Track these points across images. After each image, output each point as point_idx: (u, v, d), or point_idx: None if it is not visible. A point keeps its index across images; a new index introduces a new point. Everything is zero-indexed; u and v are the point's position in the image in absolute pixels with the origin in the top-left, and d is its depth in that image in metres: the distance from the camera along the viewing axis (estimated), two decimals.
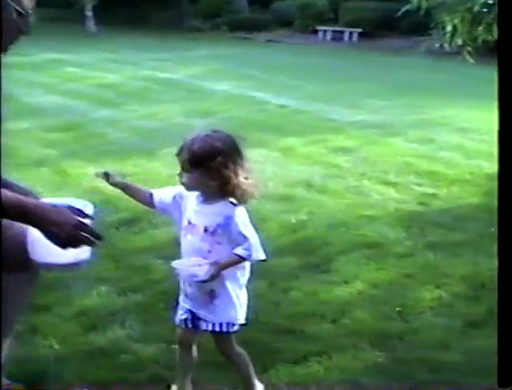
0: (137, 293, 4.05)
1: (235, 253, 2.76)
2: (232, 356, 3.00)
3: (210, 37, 23.23)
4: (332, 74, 14.91)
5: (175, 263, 2.81)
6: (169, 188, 2.95)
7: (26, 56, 14.95)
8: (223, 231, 2.78)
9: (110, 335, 3.58)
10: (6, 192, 2.37)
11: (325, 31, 23.46)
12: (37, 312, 3.75)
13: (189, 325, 2.93)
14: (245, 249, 2.76)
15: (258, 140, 7.88)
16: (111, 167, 6.33)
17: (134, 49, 18.38)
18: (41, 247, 2.50)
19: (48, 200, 2.75)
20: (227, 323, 2.88)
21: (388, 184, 6.37)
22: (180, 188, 2.86)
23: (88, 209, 2.66)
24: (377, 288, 4.20)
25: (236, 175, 2.73)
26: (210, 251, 2.79)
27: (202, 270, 2.73)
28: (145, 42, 20.75)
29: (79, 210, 2.51)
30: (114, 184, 2.98)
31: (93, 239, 2.44)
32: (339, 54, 19.98)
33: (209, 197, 2.80)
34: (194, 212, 2.84)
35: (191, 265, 2.77)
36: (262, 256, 2.84)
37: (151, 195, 2.96)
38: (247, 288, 2.91)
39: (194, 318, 2.91)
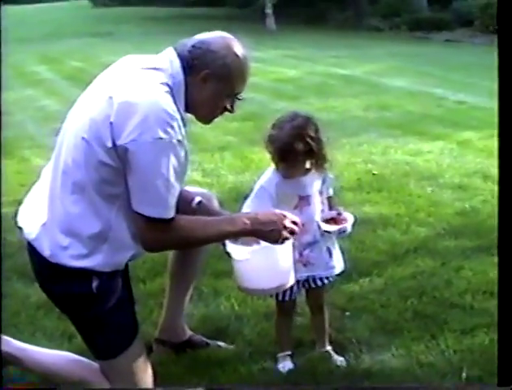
0: None
1: (330, 194, 3.19)
2: (323, 306, 3.28)
3: (389, 37, 23.17)
4: None
5: (324, 226, 3.06)
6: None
7: None
8: (325, 186, 3.15)
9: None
10: (217, 222, 2.74)
11: None
12: (219, 277, 4.06)
13: (293, 296, 3.17)
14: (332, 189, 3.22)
15: (435, 134, 7.95)
16: None
17: (312, 47, 18.66)
18: (252, 276, 2.81)
19: None
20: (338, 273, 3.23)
21: None
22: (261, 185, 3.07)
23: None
24: None
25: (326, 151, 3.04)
26: (323, 210, 3.14)
27: (349, 224, 3.07)
28: (323, 40, 21.02)
29: None
30: None
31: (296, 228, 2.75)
32: None
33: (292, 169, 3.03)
34: (298, 186, 3.06)
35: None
36: None
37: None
38: None
39: (307, 281, 3.15)
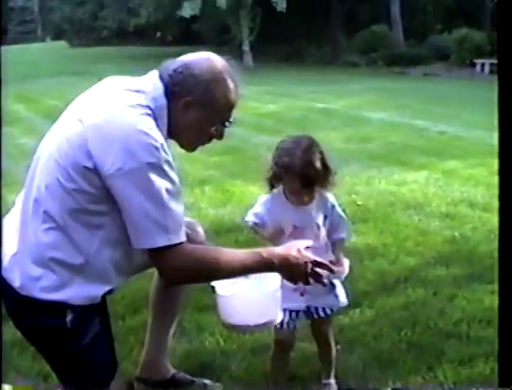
0: None
1: (341, 238, 2.98)
2: (330, 337, 3.12)
3: (366, 72, 23.29)
4: (491, 104, 14.49)
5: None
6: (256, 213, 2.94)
7: None
8: (329, 220, 2.92)
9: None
10: (244, 255, 2.48)
11: (483, 64, 22.87)
12: (202, 311, 3.87)
13: (291, 325, 2.97)
14: (347, 231, 3.01)
15: (419, 164, 7.88)
16: None
17: (290, 83, 18.70)
18: (235, 312, 2.61)
19: None
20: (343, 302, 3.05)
21: None
22: (260, 205, 2.92)
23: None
24: None
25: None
26: (325, 244, 2.93)
27: (344, 268, 2.92)
28: (300, 76, 21.10)
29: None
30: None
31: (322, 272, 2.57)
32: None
33: (308, 196, 2.86)
34: (297, 215, 2.88)
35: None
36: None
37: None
38: None
39: (306, 311, 2.98)
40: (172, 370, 3.19)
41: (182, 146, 2.60)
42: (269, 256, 2.48)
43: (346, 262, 2.95)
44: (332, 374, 3.16)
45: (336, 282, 2.99)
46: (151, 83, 2.45)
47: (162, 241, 2.31)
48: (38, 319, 2.42)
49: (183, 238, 2.37)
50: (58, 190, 2.34)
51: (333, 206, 2.94)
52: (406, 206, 6.02)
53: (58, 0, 45.33)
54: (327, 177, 2.82)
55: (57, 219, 2.35)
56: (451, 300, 4.00)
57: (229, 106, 2.52)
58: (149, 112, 2.37)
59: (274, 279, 2.60)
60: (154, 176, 2.27)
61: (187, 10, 25.33)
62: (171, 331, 3.16)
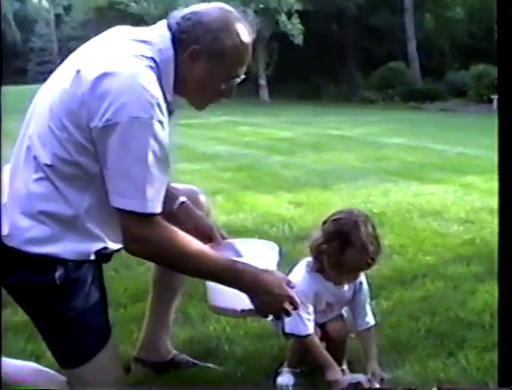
0: None
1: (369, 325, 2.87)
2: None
3: (382, 107, 23.21)
4: None
5: None
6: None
7: (203, 119, 15.52)
8: (358, 297, 2.86)
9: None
10: (218, 259, 2.26)
11: None
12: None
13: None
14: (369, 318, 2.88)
15: (437, 178, 7.70)
16: (284, 198, 6.47)
17: (306, 115, 18.61)
18: (223, 294, 2.43)
19: (234, 241, 2.68)
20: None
21: None
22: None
23: (275, 251, 2.55)
24: None
25: None
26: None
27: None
28: (316, 111, 20.99)
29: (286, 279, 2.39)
30: None
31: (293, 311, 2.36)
32: None
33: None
34: (332, 292, 2.78)
35: None
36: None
37: None
38: None
39: None
40: (173, 352, 2.96)
41: (191, 102, 2.39)
42: (246, 271, 2.27)
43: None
44: (344, 360, 2.93)
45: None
46: (158, 33, 2.26)
47: (135, 206, 2.10)
48: (25, 274, 2.22)
49: (158, 210, 2.15)
50: (51, 139, 2.17)
51: (361, 283, 2.85)
52: (424, 213, 5.80)
53: (77, 41, 45.89)
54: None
55: (47, 169, 2.17)
56: (473, 293, 3.76)
57: (240, 59, 2.31)
58: (153, 65, 2.18)
59: (268, 263, 2.41)
60: (141, 133, 2.07)
61: None
62: (173, 309, 2.93)
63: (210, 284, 2.46)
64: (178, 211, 2.59)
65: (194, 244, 2.23)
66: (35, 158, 2.20)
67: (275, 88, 26.92)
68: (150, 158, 2.09)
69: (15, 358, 3.02)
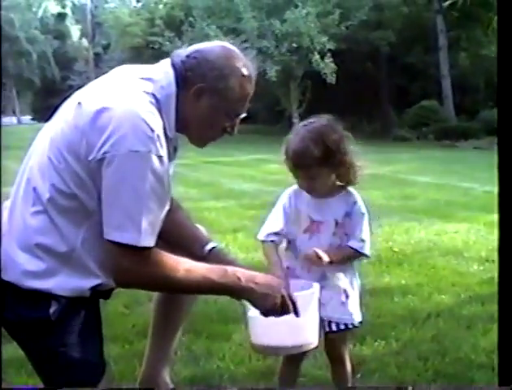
0: None
1: (350, 247, 2.66)
2: (345, 354, 2.81)
3: (415, 145, 23.05)
4: None
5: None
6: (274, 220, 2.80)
7: (233, 157, 15.58)
8: (350, 219, 2.66)
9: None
10: (211, 268, 2.26)
11: None
12: (215, 339, 3.64)
13: None
14: (360, 242, 2.67)
15: (461, 217, 7.61)
16: None
17: None
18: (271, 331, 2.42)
19: None
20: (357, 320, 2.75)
21: None
22: (282, 205, 2.75)
23: (316, 288, 2.50)
24: None
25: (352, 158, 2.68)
26: (340, 245, 2.68)
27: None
28: None
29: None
30: None
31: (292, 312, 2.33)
32: None
33: (328, 189, 2.66)
34: (316, 209, 2.67)
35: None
36: (369, 252, 2.70)
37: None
38: None
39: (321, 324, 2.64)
40: (171, 386, 2.91)
41: (192, 140, 2.39)
42: (234, 271, 2.26)
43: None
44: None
45: (352, 299, 2.73)
46: (162, 70, 2.28)
47: (130, 239, 2.09)
48: (20, 309, 2.21)
49: (152, 244, 2.14)
50: (50, 170, 2.18)
51: (355, 203, 2.69)
52: (445, 252, 5.73)
53: None
54: (340, 169, 2.61)
55: (45, 201, 2.17)
56: (485, 334, 3.68)
57: (244, 96, 2.33)
58: (153, 101, 2.19)
59: (313, 295, 2.42)
60: (138, 166, 2.07)
61: None
62: (175, 341, 2.89)
63: (253, 321, 2.43)
64: (207, 256, 2.58)
65: (183, 264, 2.21)
66: (34, 189, 2.20)
67: None
68: (147, 192, 2.09)
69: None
